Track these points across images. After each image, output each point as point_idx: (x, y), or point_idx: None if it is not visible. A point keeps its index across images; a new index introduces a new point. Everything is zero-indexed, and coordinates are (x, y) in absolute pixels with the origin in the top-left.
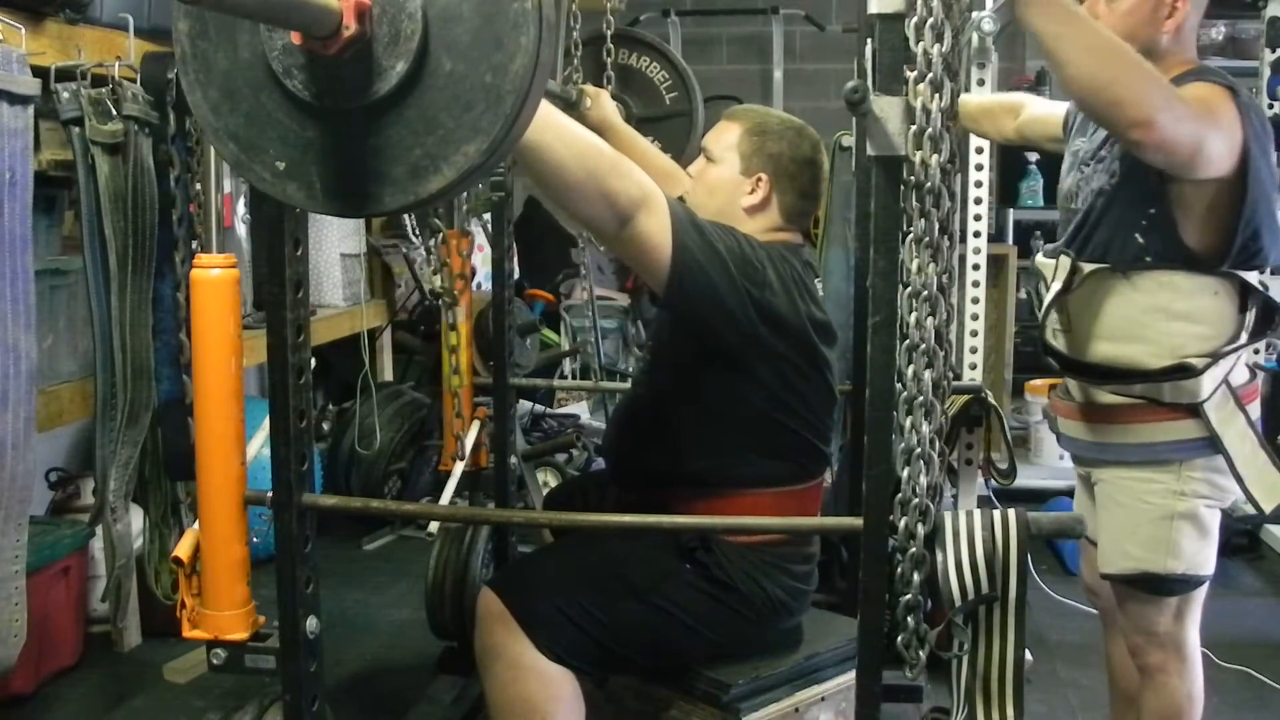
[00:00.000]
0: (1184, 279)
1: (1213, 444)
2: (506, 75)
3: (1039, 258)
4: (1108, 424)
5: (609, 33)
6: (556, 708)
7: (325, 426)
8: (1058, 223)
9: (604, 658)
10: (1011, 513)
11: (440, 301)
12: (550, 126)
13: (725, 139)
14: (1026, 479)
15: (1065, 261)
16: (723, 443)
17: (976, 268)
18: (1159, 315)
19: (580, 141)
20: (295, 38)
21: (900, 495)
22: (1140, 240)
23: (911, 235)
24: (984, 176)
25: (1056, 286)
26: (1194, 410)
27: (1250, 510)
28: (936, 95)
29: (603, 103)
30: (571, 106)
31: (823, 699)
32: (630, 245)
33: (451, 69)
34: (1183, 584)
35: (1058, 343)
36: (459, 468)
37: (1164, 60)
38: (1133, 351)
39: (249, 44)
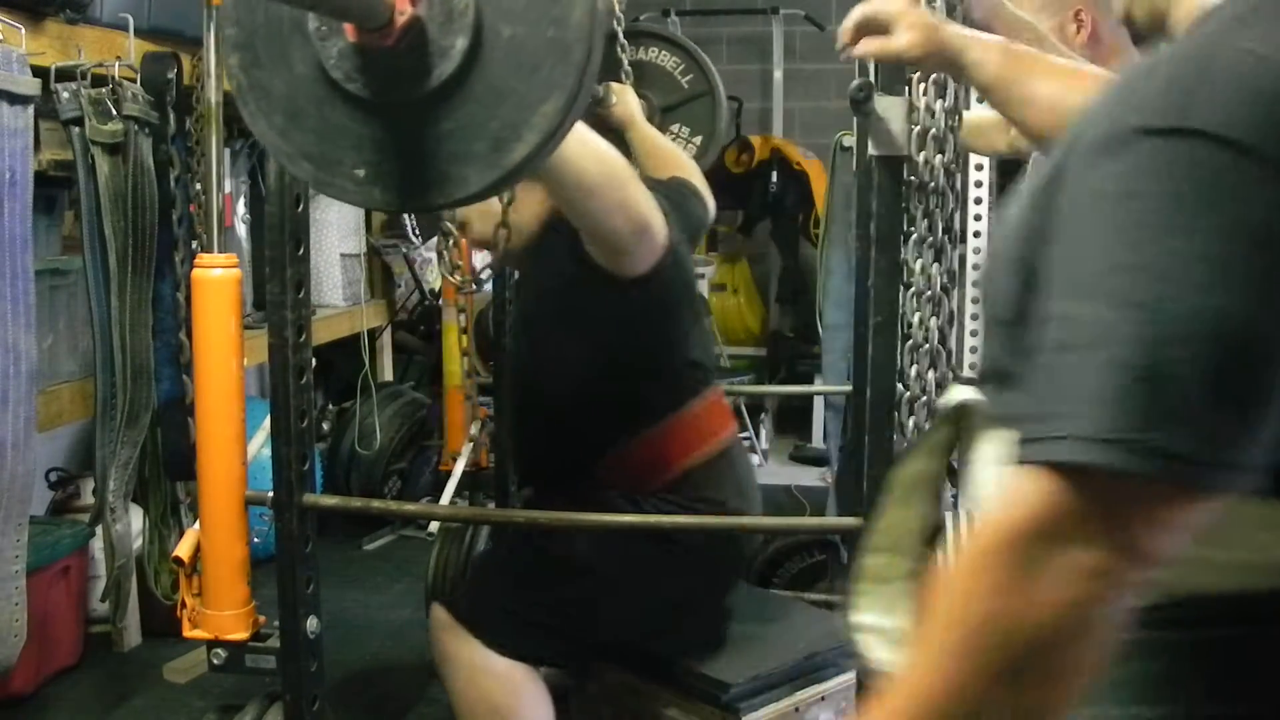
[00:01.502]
0: None
1: None
2: (569, 26)
3: None
4: None
5: (620, 29)
6: (516, 701)
7: (325, 426)
8: None
9: (562, 644)
10: None
11: (452, 301)
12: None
13: None
14: None
15: None
16: (624, 394)
17: (977, 268)
18: None
19: (601, 150)
20: (350, 34)
21: None
22: None
23: (915, 235)
24: (984, 176)
25: None
26: None
27: None
28: (940, 95)
29: (628, 99)
30: (598, 103)
31: (823, 699)
32: (638, 252)
33: (512, 34)
34: None
35: None
36: (459, 467)
37: (1105, 66)
38: None
39: (303, 59)
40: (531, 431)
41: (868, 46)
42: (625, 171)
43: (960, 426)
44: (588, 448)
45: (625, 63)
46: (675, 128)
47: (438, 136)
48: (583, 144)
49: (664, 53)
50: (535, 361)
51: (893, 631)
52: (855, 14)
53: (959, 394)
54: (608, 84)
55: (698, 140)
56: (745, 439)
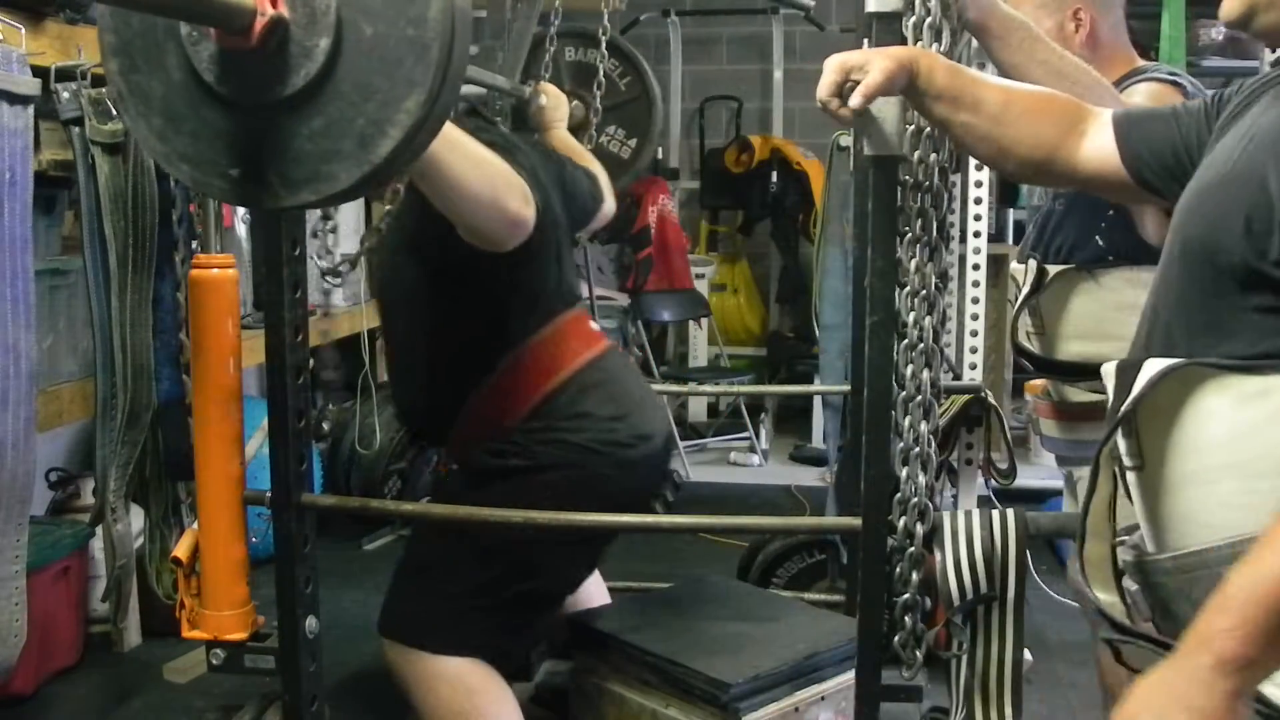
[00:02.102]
0: (1149, 275)
1: None
2: (427, 24)
3: (1013, 264)
4: (1083, 422)
5: (605, 34)
6: (475, 701)
7: (325, 426)
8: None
9: (502, 621)
10: (1011, 512)
11: None
12: (443, 137)
13: None
14: (1026, 479)
15: (1032, 265)
16: (482, 329)
17: (976, 268)
18: (1128, 311)
19: (476, 156)
20: (215, 36)
21: (899, 495)
22: (1101, 242)
23: (909, 235)
24: (984, 176)
25: (1025, 290)
26: None
27: None
28: None
29: (557, 106)
30: (524, 102)
31: (823, 699)
32: (509, 241)
33: (373, 32)
34: None
35: (1031, 345)
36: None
37: (1104, 67)
38: (1105, 349)
39: (178, 65)
40: (400, 383)
41: (856, 99)
42: (501, 175)
43: (1159, 397)
44: (449, 392)
45: (601, 71)
46: (611, 129)
47: (308, 135)
48: (453, 149)
49: (603, 55)
50: (392, 306)
51: (1118, 605)
52: (828, 82)
53: (1153, 367)
54: (537, 86)
55: (632, 143)
56: (745, 439)
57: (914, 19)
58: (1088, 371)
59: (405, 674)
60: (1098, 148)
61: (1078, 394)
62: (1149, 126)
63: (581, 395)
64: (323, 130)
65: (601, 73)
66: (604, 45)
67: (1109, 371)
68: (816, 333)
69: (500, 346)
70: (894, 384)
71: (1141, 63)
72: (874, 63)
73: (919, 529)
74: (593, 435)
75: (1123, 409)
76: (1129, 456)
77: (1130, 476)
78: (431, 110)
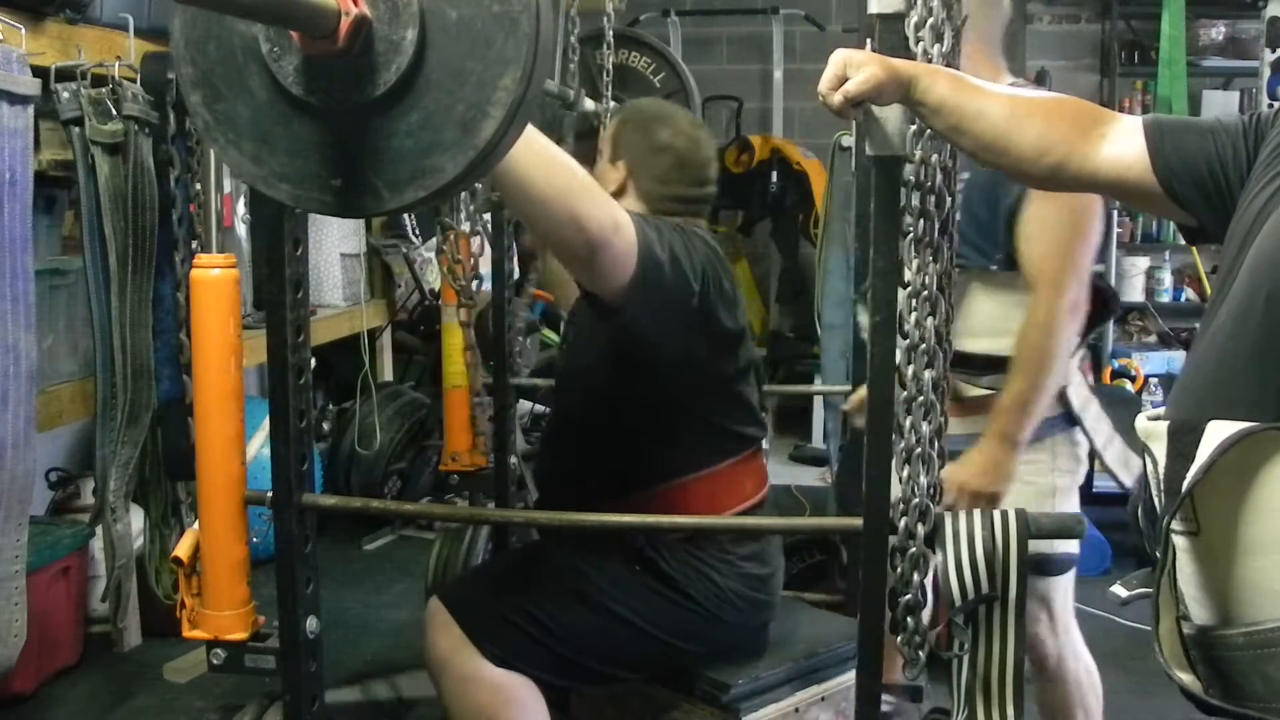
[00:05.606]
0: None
1: (1069, 418)
2: None
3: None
4: (982, 414)
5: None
6: (511, 711)
7: (325, 426)
8: None
9: (558, 665)
10: (1011, 513)
11: (453, 301)
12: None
13: (609, 133)
14: None
15: None
16: (653, 440)
17: None
18: (1021, 309)
19: (553, 159)
20: (301, 47)
21: (900, 495)
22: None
23: (911, 235)
24: None
25: None
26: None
27: None
28: None
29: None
30: (570, 106)
31: (823, 699)
32: (598, 270)
33: (458, 15)
34: (1067, 561)
35: None
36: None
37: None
38: (1004, 344)
39: (262, 84)
40: (554, 462)
41: (836, 99)
42: (580, 184)
43: (1224, 461)
44: (611, 486)
45: (608, 68)
46: None
47: (406, 131)
48: (532, 151)
49: (634, 54)
50: (566, 390)
51: (1196, 684)
52: (829, 76)
53: (1221, 431)
54: (582, 92)
55: None
56: None
57: (915, 19)
58: (991, 364)
59: (447, 662)
60: (1121, 153)
61: (975, 390)
62: (1184, 137)
63: (738, 551)
64: (421, 123)
65: (610, 68)
66: (611, 41)
67: (1155, 431)
68: (818, 332)
69: (669, 460)
70: (896, 384)
71: (1009, 77)
72: (865, 68)
73: (920, 529)
74: (731, 590)
75: (1189, 479)
76: (1181, 522)
77: (1180, 542)
78: (529, 85)
